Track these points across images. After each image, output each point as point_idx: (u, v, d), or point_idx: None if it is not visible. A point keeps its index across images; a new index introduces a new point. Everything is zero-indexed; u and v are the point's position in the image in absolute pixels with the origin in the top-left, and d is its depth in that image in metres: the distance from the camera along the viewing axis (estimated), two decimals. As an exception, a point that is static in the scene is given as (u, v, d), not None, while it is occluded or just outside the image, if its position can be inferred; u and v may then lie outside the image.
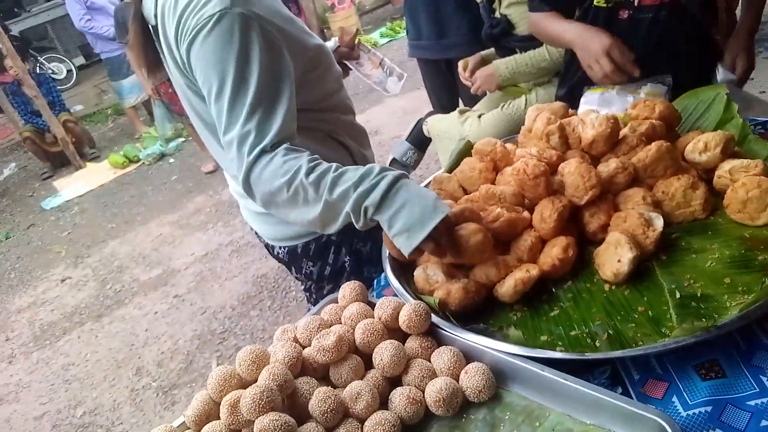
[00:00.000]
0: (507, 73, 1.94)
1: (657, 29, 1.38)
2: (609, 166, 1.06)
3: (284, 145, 1.04)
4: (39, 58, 7.92)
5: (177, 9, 1.06)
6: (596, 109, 1.29)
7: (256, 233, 1.49)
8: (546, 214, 1.01)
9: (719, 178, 1.04)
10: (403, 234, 0.96)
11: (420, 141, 2.23)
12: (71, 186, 5.63)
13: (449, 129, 2.17)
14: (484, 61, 2.13)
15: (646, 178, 1.07)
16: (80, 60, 9.89)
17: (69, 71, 9.27)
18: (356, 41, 1.59)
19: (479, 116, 2.07)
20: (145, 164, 5.66)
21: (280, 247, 1.42)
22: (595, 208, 1.04)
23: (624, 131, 1.14)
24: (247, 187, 1.06)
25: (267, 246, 1.49)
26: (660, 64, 1.39)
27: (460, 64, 2.16)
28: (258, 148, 1.03)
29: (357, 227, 1.01)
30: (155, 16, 1.12)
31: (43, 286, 3.99)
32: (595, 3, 1.42)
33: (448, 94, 2.73)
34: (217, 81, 1.05)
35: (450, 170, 1.30)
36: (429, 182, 1.27)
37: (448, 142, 2.24)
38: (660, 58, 1.41)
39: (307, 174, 1.01)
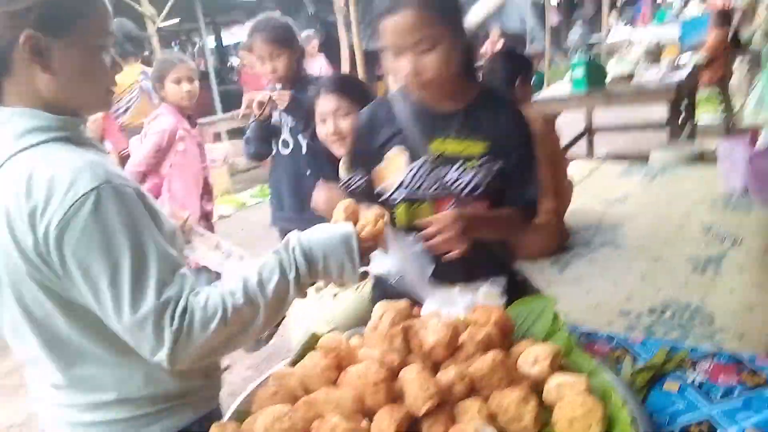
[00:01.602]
0: None
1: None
2: (448, 374, 1.07)
3: (185, 293, 1.01)
4: None
5: (31, 194, 0.97)
6: (439, 308, 1.34)
7: None
8: (384, 425, 0.97)
9: (548, 392, 1.07)
10: (343, 273, 1.12)
11: (274, 316, 2.18)
12: None
13: (302, 305, 2.14)
14: None
15: (482, 388, 1.08)
16: None
17: None
18: (185, 225, 1.56)
19: (334, 295, 2.08)
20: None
21: None
22: (434, 418, 1.01)
23: (463, 337, 1.17)
24: (178, 357, 1.00)
25: None
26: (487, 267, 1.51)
27: None
28: (178, 312, 0.99)
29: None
30: None
31: None
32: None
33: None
34: (109, 264, 0.97)
35: (294, 363, 1.25)
36: (268, 377, 1.21)
37: (301, 319, 2.20)
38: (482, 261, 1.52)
39: (233, 296, 1.04)
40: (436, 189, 1.52)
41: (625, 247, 2.28)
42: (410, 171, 1.52)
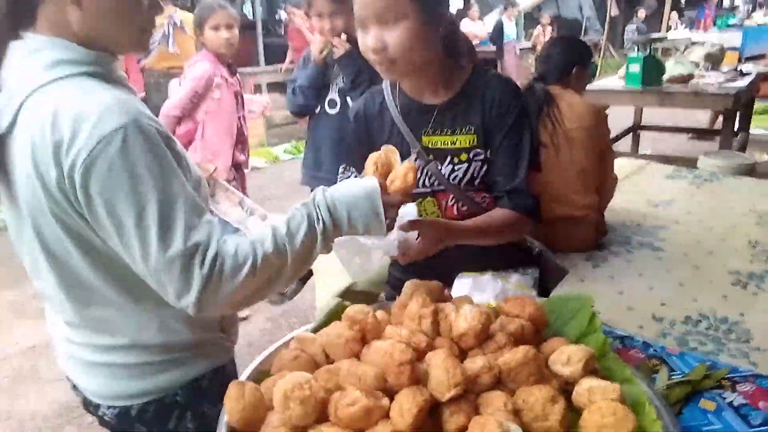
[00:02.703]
0: None
1: None
2: (475, 363, 1.02)
3: (215, 239, 0.98)
4: None
5: (56, 127, 0.93)
6: (469, 294, 1.30)
7: (74, 386, 1.24)
8: (406, 406, 0.93)
9: (578, 395, 1.03)
10: (369, 228, 1.10)
11: (301, 272, 2.17)
12: None
13: (332, 265, 2.11)
14: None
15: (509, 382, 1.04)
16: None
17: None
18: (211, 177, 1.51)
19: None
20: (-5, 229, 5.09)
21: (107, 407, 1.19)
22: (456, 406, 0.98)
23: (494, 327, 1.12)
24: (205, 304, 0.97)
25: (87, 404, 1.24)
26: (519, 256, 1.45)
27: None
28: (209, 257, 0.96)
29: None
30: (11, 124, 0.98)
31: None
32: None
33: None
34: (136, 203, 0.94)
35: (317, 329, 1.22)
36: (291, 339, 1.18)
37: (329, 278, 2.18)
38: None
39: (262, 245, 1.01)
40: (433, 183, 1.47)
41: (664, 252, 2.20)
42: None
